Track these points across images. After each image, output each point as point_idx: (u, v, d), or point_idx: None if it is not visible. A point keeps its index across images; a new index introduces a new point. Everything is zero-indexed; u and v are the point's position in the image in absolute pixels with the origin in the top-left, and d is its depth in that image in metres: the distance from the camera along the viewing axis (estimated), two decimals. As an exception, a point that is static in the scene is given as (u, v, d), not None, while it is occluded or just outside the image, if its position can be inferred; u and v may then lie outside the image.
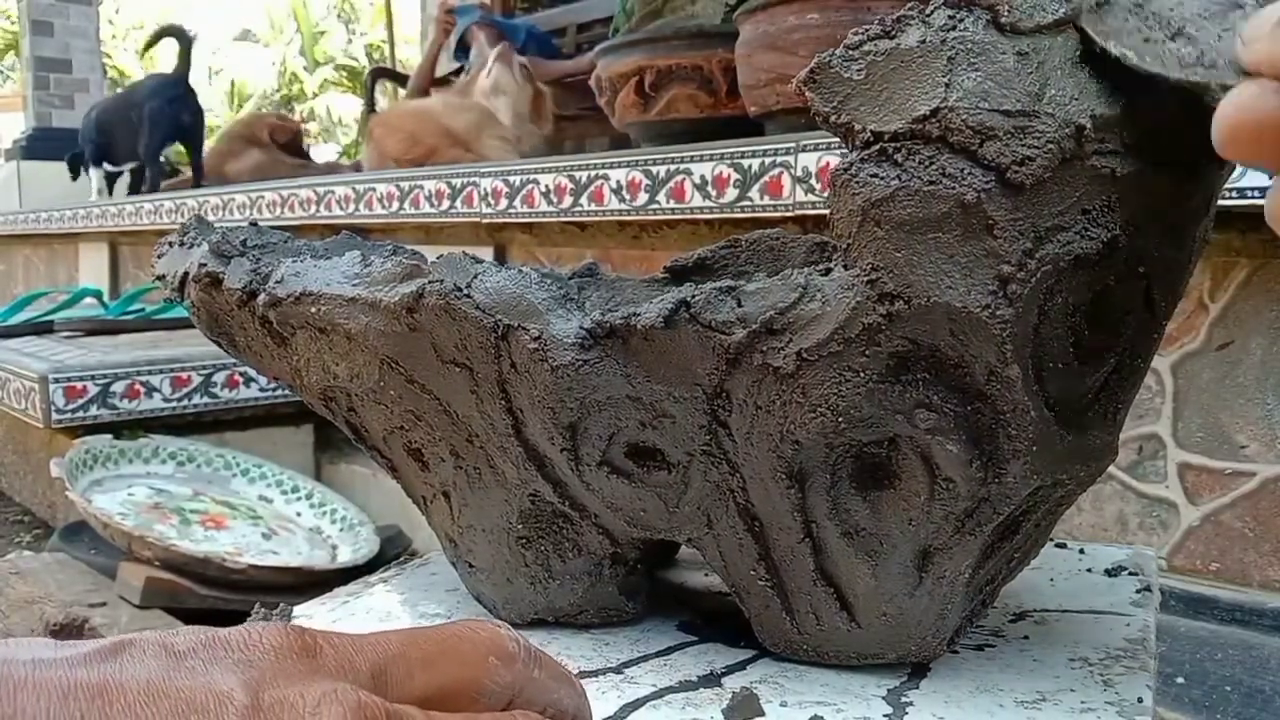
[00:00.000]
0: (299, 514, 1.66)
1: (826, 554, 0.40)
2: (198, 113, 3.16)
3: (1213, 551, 0.91)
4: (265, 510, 1.64)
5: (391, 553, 1.53)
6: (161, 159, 3.20)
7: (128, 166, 3.31)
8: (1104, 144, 0.33)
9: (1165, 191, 0.35)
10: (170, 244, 0.52)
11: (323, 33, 11.36)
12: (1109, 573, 0.54)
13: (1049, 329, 0.35)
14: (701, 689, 0.41)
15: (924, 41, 0.34)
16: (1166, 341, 0.81)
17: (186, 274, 0.48)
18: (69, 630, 1.23)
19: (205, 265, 0.47)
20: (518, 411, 0.41)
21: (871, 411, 0.36)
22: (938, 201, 0.33)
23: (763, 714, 0.38)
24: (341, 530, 1.62)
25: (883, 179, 0.34)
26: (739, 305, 0.36)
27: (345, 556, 1.51)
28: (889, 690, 0.41)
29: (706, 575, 0.53)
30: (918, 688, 0.41)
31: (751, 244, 0.55)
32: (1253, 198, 0.80)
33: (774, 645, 0.43)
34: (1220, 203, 0.38)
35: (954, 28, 0.33)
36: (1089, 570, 0.54)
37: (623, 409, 0.39)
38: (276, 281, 0.44)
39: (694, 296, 0.37)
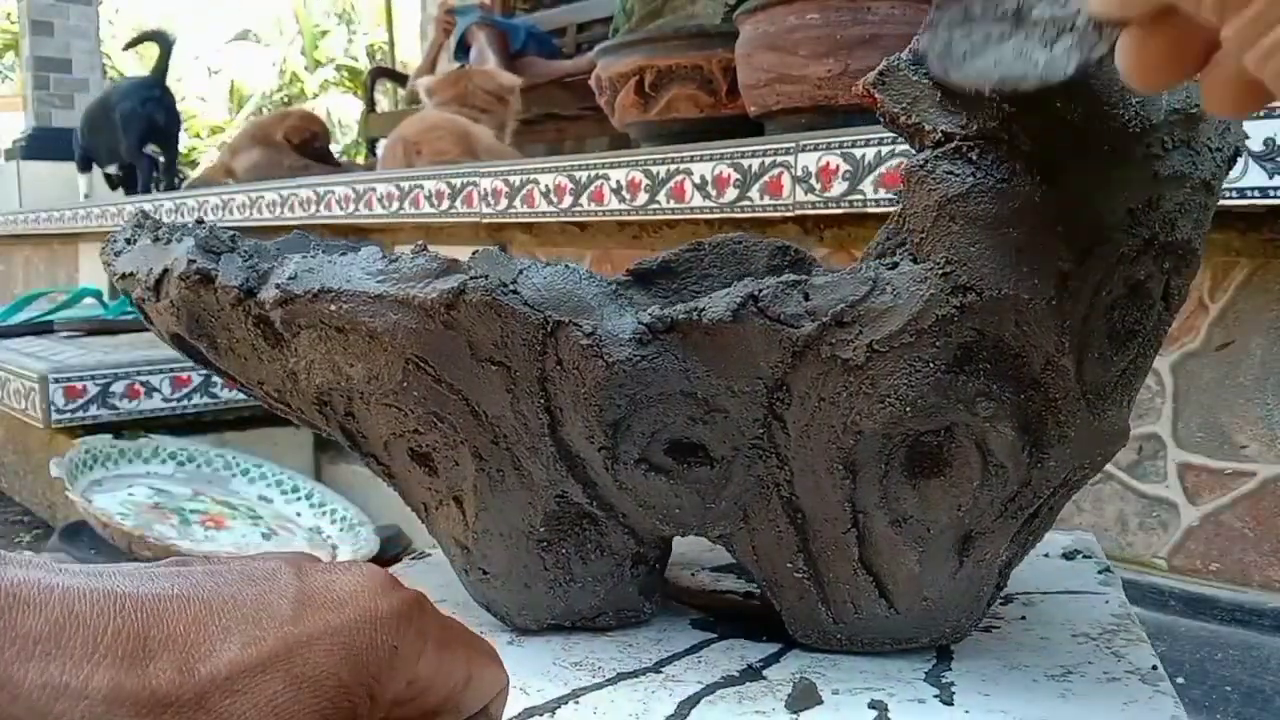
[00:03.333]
0: (299, 514, 1.66)
1: (870, 543, 0.40)
2: (172, 114, 3.15)
3: (1213, 551, 0.91)
4: (265, 510, 1.63)
5: (391, 553, 1.53)
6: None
7: (113, 168, 3.31)
8: (1149, 148, 0.35)
9: (1196, 188, 0.37)
10: (127, 240, 0.48)
11: (325, 33, 11.35)
12: (1066, 556, 0.56)
13: (1094, 320, 0.37)
14: (747, 682, 0.41)
15: None
16: (1166, 341, 0.81)
17: (166, 271, 0.45)
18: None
19: (194, 262, 0.44)
20: (556, 410, 0.40)
21: (936, 401, 0.37)
22: (1010, 198, 0.34)
23: (821, 702, 0.39)
24: (341, 530, 1.62)
25: (958, 176, 0.35)
26: (807, 299, 0.37)
27: (345, 556, 1.51)
28: (926, 673, 0.41)
29: (694, 575, 0.53)
30: (951, 669, 0.42)
31: (715, 247, 0.55)
32: (1253, 198, 0.80)
33: (805, 636, 0.44)
34: (1220, 202, 0.40)
35: None
36: (1045, 555, 0.56)
37: (673, 405, 0.39)
38: (289, 278, 0.41)
39: (761, 290, 0.37)
